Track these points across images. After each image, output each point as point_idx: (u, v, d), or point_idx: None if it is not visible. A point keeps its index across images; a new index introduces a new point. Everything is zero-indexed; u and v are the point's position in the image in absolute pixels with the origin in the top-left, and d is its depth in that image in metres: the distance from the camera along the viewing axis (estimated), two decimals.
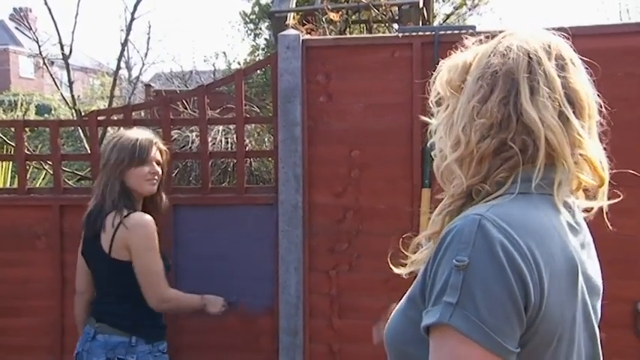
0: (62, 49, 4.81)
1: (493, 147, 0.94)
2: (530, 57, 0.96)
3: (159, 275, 2.21)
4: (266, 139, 4.55)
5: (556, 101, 0.94)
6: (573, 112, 0.95)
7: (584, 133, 0.94)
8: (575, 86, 0.96)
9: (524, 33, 1.01)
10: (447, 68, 1.06)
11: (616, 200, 1.07)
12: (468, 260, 0.83)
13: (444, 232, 0.90)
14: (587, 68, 1.04)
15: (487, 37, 1.07)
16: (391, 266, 1.08)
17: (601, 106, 1.03)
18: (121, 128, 2.71)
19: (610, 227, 1.06)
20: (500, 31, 1.08)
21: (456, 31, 2.70)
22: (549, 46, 0.99)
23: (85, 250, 2.31)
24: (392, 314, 1.00)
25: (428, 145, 1.09)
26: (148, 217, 2.24)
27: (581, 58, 1.04)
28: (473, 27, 2.77)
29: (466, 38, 1.10)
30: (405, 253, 1.04)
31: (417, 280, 0.96)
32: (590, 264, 0.99)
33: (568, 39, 1.04)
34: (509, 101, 0.95)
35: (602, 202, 1.04)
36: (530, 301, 0.83)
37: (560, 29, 2.62)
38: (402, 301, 0.99)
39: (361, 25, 5.36)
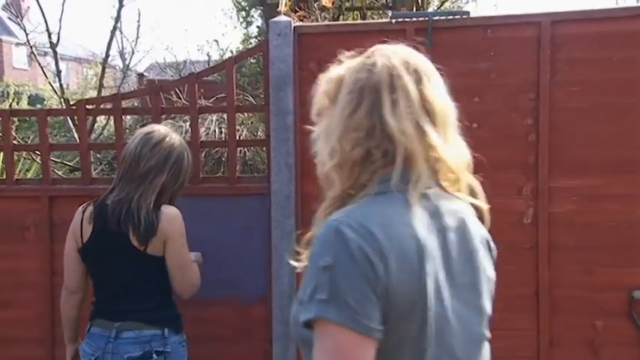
0: (50, 37, 4.75)
1: (360, 154, 1.09)
2: (391, 72, 1.10)
3: None
4: (260, 129, 4.52)
5: (413, 112, 1.08)
6: (429, 121, 1.09)
7: (437, 139, 1.08)
8: (431, 97, 1.10)
9: (388, 50, 1.15)
10: (325, 80, 1.19)
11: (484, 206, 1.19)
12: (332, 261, 0.99)
13: (315, 239, 1.05)
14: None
15: (359, 53, 1.20)
16: (290, 261, 1.21)
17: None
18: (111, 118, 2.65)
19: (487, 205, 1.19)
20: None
21: (450, 17, 2.67)
22: (408, 62, 1.12)
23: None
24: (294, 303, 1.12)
25: (312, 152, 1.22)
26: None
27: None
28: (466, 12, 2.73)
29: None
30: (299, 249, 1.17)
31: (303, 278, 1.08)
32: (457, 246, 1.10)
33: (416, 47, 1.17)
34: (374, 113, 1.09)
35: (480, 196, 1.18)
36: (381, 283, 0.99)
37: (553, 14, 2.52)
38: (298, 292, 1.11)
39: (354, 11, 5.31)
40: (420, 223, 1.05)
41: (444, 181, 1.13)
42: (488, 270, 1.17)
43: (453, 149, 1.12)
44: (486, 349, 1.17)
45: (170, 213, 2.22)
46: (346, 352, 0.97)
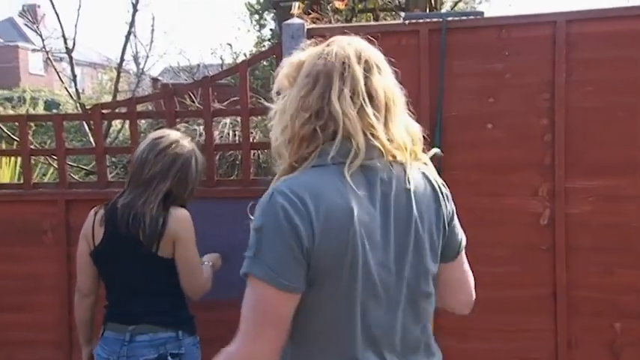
0: (65, 42, 4.80)
1: (309, 131, 1.23)
2: (343, 62, 1.24)
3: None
4: None
5: (357, 97, 1.23)
6: (371, 105, 1.24)
7: (375, 120, 1.23)
8: (376, 85, 1.25)
9: (344, 41, 1.30)
10: (287, 64, 1.32)
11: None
12: (261, 224, 1.16)
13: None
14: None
15: (320, 41, 1.34)
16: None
17: None
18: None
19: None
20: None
21: (464, 18, 2.65)
22: (360, 54, 1.27)
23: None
24: None
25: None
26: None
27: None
28: (480, 13, 2.71)
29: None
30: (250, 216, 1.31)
31: None
32: (396, 209, 1.23)
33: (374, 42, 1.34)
34: (325, 96, 1.23)
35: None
36: (304, 245, 1.13)
37: (568, 13, 2.48)
38: None
39: (367, 13, 5.30)
40: (352, 191, 1.18)
41: (391, 154, 1.25)
42: (433, 229, 1.28)
43: (396, 128, 1.27)
44: (428, 302, 1.30)
45: (178, 215, 2.22)
46: (264, 303, 1.15)
